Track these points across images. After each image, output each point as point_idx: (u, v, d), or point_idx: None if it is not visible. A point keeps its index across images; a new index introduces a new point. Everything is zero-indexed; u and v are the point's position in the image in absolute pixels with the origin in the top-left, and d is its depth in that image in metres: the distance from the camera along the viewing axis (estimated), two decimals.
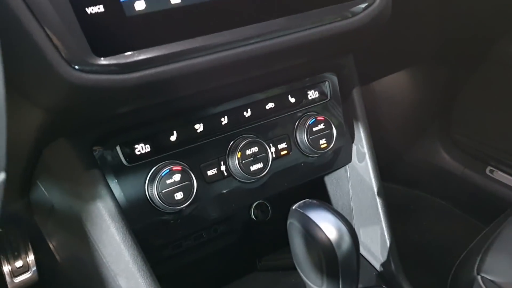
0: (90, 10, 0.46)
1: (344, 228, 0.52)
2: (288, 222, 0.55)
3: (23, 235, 0.84)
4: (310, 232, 0.52)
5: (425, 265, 1.09)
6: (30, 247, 0.84)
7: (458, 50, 1.42)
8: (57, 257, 0.75)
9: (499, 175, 1.48)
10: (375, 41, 0.86)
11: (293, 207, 0.55)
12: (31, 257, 0.84)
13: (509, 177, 1.46)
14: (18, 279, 0.84)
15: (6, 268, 0.83)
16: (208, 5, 0.53)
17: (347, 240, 0.52)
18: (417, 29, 1.10)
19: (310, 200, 0.56)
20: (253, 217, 0.85)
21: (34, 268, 0.84)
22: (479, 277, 0.74)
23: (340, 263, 0.52)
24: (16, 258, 0.84)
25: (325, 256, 0.51)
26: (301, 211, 0.54)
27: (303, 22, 0.58)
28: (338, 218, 0.53)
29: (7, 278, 0.83)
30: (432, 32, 1.16)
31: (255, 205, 0.86)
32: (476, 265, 0.76)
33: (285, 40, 0.57)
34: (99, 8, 0.47)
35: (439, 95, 1.56)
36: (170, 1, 0.51)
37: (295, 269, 0.79)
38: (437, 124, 1.62)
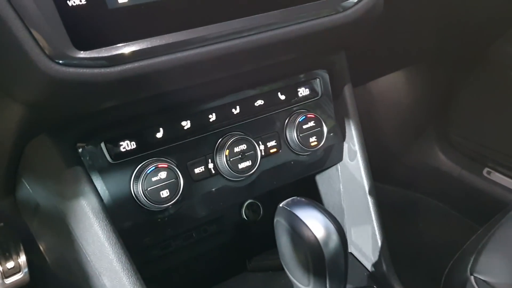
0: (72, 2, 0.45)
1: (332, 227, 0.51)
2: (275, 220, 0.54)
3: (15, 236, 0.83)
4: (296, 230, 0.51)
5: (419, 266, 1.08)
6: (21, 247, 0.83)
7: (455, 51, 1.42)
8: (46, 257, 0.74)
9: (496, 176, 1.49)
10: (371, 41, 0.85)
11: (280, 205, 0.54)
12: (22, 258, 0.83)
13: (506, 178, 1.46)
14: (9, 280, 0.83)
15: None
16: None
17: (334, 239, 0.51)
18: (413, 31, 1.09)
19: (297, 198, 0.55)
20: (244, 217, 0.84)
21: (26, 270, 0.83)
22: (472, 277, 0.74)
23: (327, 263, 0.51)
24: (7, 259, 0.83)
25: (312, 255, 0.50)
26: (288, 209, 0.53)
27: (295, 15, 0.57)
28: (326, 216, 0.52)
29: None
30: (429, 33, 1.16)
31: (246, 205, 0.85)
32: (469, 265, 0.75)
33: (276, 33, 0.56)
34: (80, 0, 0.46)
35: (436, 97, 1.56)
36: None
37: (280, 269, 0.78)
38: (434, 126, 1.62)
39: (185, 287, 0.75)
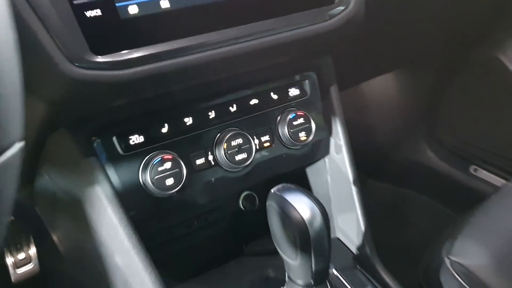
0: (89, 13, 0.53)
1: (316, 209, 0.58)
2: (267, 204, 0.61)
3: (26, 228, 0.90)
4: (286, 212, 0.58)
5: (402, 252, 1.14)
6: (32, 240, 0.90)
7: (440, 54, 1.49)
8: (58, 245, 0.80)
9: (483, 174, 1.54)
10: (359, 46, 0.92)
11: (272, 190, 0.61)
12: (33, 250, 0.90)
13: (491, 175, 1.52)
14: (20, 271, 0.89)
15: (10, 260, 0.89)
16: (194, 9, 0.59)
17: (318, 219, 0.57)
18: (396, 38, 1.16)
19: (287, 184, 0.62)
20: (242, 207, 0.91)
21: (36, 261, 0.90)
22: (447, 260, 0.80)
23: (312, 240, 0.57)
24: (18, 250, 0.90)
25: (299, 234, 0.57)
26: (279, 193, 0.60)
27: (287, 23, 0.65)
28: (312, 200, 0.58)
29: (10, 270, 0.89)
30: (412, 39, 1.22)
31: (243, 196, 0.92)
32: (445, 249, 0.82)
33: (269, 39, 0.64)
34: (96, 12, 0.53)
35: (425, 97, 1.62)
36: (160, 6, 0.58)
37: (278, 253, 0.85)
38: (423, 125, 1.68)
39: (186, 271, 0.81)
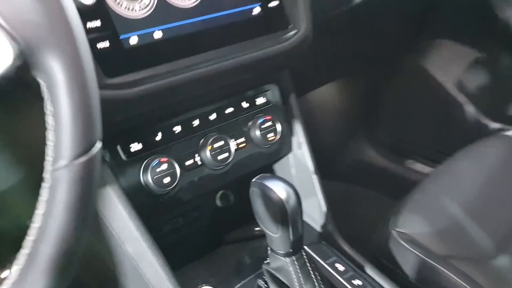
0: (99, 45, 0.66)
1: (290, 190, 0.71)
2: (251, 190, 0.74)
3: None
4: (267, 194, 0.71)
5: (357, 232, 1.31)
6: None
7: (375, 64, 1.70)
8: None
9: (418, 166, 1.75)
10: (306, 60, 1.09)
11: (253, 180, 0.75)
12: None
13: (425, 166, 1.72)
14: None
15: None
16: (181, 37, 0.74)
17: (293, 198, 0.71)
18: (337, 55, 1.34)
19: (265, 174, 0.76)
20: (219, 204, 1.05)
21: None
22: (394, 232, 0.95)
23: (289, 215, 0.71)
24: None
25: (279, 210, 0.70)
26: (259, 181, 0.74)
27: (252, 46, 0.80)
28: (286, 184, 0.73)
29: None
30: (350, 56, 1.42)
31: (220, 195, 1.05)
32: (392, 223, 0.98)
33: (237, 60, 0.78)
34: (105, 44, 0.66)
35: (364, 102, 1.83)
36: (153, 37, 0.72)
37: (255, 238, 1.00)
38: (364, 127, 1.88)
39: (173, 262, 0.93)
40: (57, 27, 0.40)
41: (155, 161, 0.78)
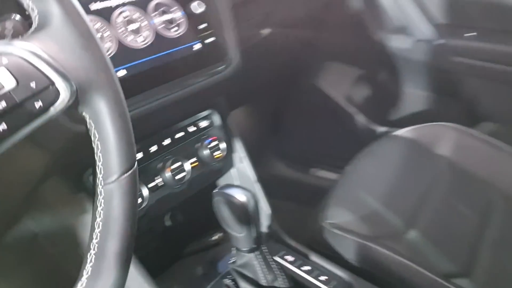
0: None
1: (249, 194, 0.84)
2: (215, 199, 0.86)
3: None
4: (231, 200, 0.82)
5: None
6: None
7: (278, 86, 1.90)
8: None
9: (322, 173, 1.91)
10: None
11: (215, 191, 0.87)
12: None
13: (328, 172, 1.90)
14: None
15: None
16: (141, 74, 0.84)
17: (252, 200, 0.82)
18: (251, 78, 1.51)
19: (224, 185, 0.88)
20: (169, 224, 1.14)
21: None
22: (325, 223, 1.06)
23: (251, 215, 0.82)
24: None
25: (242, 212, 0.81)
26: (222, 190, 0.86)
27: (194, 78, 0.93)
28: (244, 189, 0.85)
29: None
30: (260, 78, 1.60)
31: (169, 217, 1.15)
32: (320, 217, 1.11)
33: (180, 93, 0.90)
34: None
35: (272, 120, 2.02)
36: (117, 75, 0.81)
37: (209, 248, 1.11)
38: (273, 143, 2.07)
39: None
40: (101, 71, 0.50)
41: None
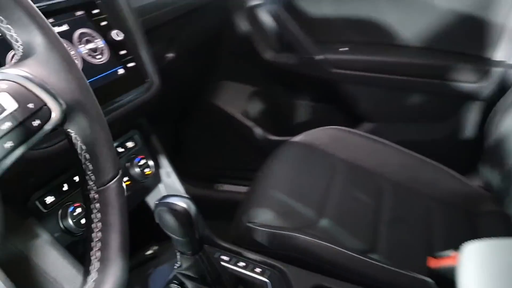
0: None
1: (188, 200, 0.93)
2: (157, 210, 0.91)
3: None
4: (173, 208, 0.90)
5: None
6: None
7: (180, 106, 1.98)
8: None
9: (227, 187, 2.02)
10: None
11: (157, 202, 0.93)
12: None
13: (231, 185, 2.01)
14: None
15: None
16: None
17: (192, 205, 0.92)
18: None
19: (164, 195, 0.95)
20: None
21: None
22: (249, 223, 1.13)
23: (193, 219, 0.91)
24: None
25: (185, 218, 0.85)
26: (163, 201, 0.93)
27: (117, 104, 0.99)
28: (182, 197, 0.94)
29: None
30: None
31: None
32: (244, 219, 1.19)
33: (109, 117, 0.96)
34: None
35: (174, 141, 2.09)
36: None
37: (147, 262, 1.16)
38: (177, 164, 2.13)
39: None
40: (84, 90, 0.57)
41: (71, 207, 0.89)
